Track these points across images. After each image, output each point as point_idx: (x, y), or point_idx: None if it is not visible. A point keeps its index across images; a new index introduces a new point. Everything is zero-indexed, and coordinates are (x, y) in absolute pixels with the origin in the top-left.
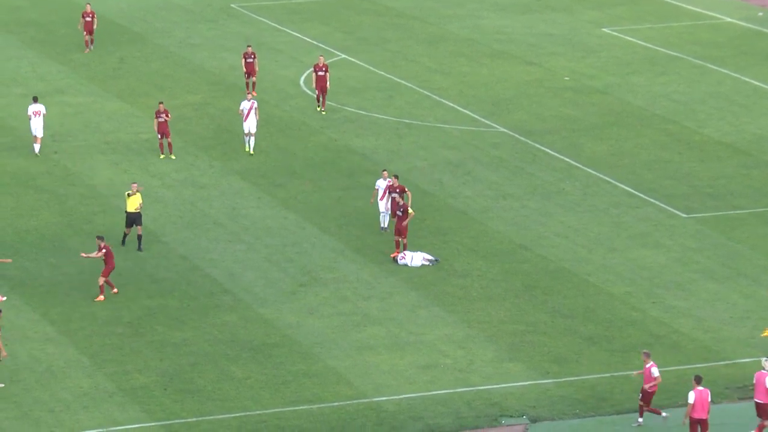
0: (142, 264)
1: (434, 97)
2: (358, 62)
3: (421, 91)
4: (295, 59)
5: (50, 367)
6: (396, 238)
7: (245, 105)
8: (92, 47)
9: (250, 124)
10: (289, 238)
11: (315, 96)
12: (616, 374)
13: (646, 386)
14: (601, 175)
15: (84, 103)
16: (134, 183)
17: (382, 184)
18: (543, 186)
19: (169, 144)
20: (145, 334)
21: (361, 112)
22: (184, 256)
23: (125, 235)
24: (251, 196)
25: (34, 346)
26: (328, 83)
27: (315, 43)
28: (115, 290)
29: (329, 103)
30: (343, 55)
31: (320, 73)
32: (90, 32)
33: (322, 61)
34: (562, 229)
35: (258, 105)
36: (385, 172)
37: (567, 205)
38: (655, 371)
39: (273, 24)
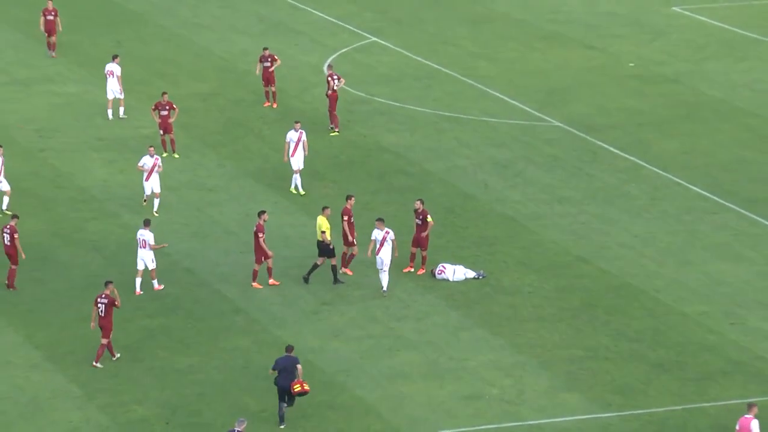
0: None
1: (479, 86)
2: (391, 46)
3: (464, 79)
4: (317, 42)
5: (35, 397)
6: (413, 249)
7: (292, 136)
8: (55, 53)
9: (298, 161)
10: (311, 250)
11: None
12: (689, 407)
13: None
14: (672, 177)
15: (75, 92)
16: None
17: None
18: (605, 189)
19: (172, 141)
20: (145, 359)
21: (394, 103)
22: (190, 269)
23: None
24: (267, 201)
25: (17, 373)
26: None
27: (340, 23)
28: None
29: (354, 91)
30: (374, 38)
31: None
32: (51, 33)
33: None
34: (627, 238)
35: (275, 100)
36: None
37: (633, 211)
38: (756, 428)
39: (291, 1)
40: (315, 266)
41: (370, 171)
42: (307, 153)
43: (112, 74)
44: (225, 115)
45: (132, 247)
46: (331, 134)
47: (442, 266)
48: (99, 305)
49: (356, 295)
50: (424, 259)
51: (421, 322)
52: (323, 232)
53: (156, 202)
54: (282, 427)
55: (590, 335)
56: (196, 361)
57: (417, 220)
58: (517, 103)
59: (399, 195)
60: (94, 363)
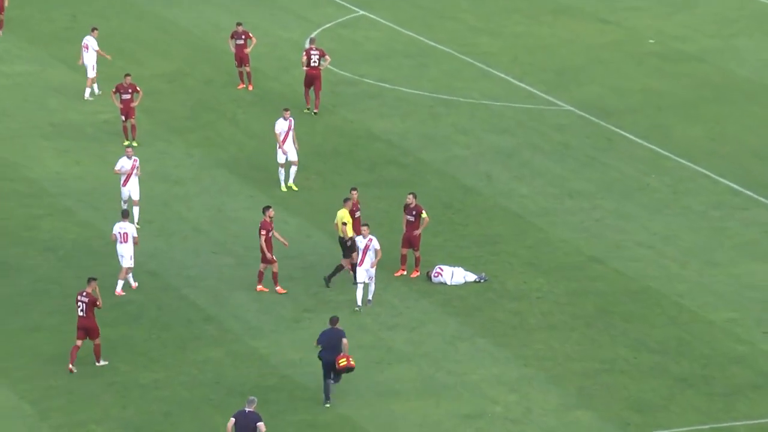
0: (99, 282)
1: (479, 65)
2: (381, 20)
3: (463, 57)
4: (299, 17)
5: None
6: (403, 250)
7: (281, 126)
8: (1, 31)
9: (289, 151)
10: (291, 249)
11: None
12: (717, 425)
13: None
14: (697, 167)
15: (24, 72)
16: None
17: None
18: (621, 181)
19: (133, 127)
20: (104, 373)
21: (384, 85)
22: (154, 272)
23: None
24: (242, 195)
25: None
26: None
27: None
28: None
29: (340, 71)
30: (361, 11)
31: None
32: None
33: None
34: (647, 236)
35: (250, 82)
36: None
37: (653, 206)
38: None
39: None
40: (340, 268)
41: (359, 162)
42: (297, 147)
43: (87, 48)
44: (194, 97)
45: (90, 247)
46: (305, 111)
47: (439, 268)
48: (79, 304)
49: (342, 300)
50: (417, 260)
51: (415, 331)
52: (344, 224)
53: (135, 210)
54: (327, 405)
55: (606, 346)
56: (161, 376)
57: (409, 217)
58: (522, 84)
59: (391, 189)
60: (97, 362)
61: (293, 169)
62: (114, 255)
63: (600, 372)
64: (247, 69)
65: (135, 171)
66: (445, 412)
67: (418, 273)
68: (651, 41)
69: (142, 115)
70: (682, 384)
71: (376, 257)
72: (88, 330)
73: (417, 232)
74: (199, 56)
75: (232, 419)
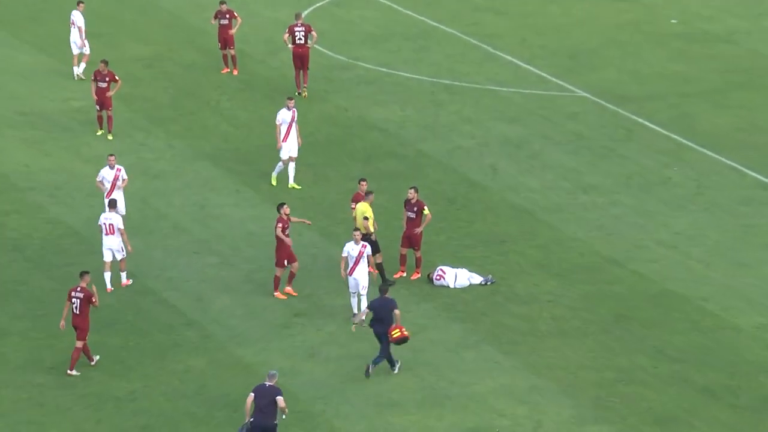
0: (72, 284)
1: (485, 47)
2: None
3: (467, 39)
4: None
5: None
6: (403, 250)
7: (284, 116)
8: None
9: (291, 147)
10: None
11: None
12: None
13: None
14: (724, 159)
15: None
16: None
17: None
18: (641, 174)
19: (110, 118)
20: (76, 384)
21: (381, 69)
22: (131, 273)
23: None
24: (227, 190)
25: None
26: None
27: None
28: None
29: (333, 54)
30: None
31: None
32: None
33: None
34: (668, 235)
35: (236, 66)
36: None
37: (675, 202)
38: None
39: None
40: (380, 267)
41: (353, 153)
42: (301, 141)
43: (74, 24)
44: (174, 83)
45: (61, 246)
46: (296, 94)
47: (442, 270)
48: (73, 300)
49: (336, 305)
50: (418, 260)
51: (416, 337)
52: (365, 219)
53: (291, 169)
54: (395, 371)
55: (623, 354)
56: (138, 387)
57: (410, 213)
58: (532, 68)
59: (389, 182)
60: (69, 371)
61: (292, 166)
62: (89, 253)
63: (617, 382)
64: (232, 52)
65: (118, 182)
66: (449, 425)
67: (419, 275)
68: (673, 21)
69: (118, 103)
70: (706, 395)
71: (368, 263)
72: (77, 329)
73: (418, 230)
74: (180, 38)
75: (252, 394)
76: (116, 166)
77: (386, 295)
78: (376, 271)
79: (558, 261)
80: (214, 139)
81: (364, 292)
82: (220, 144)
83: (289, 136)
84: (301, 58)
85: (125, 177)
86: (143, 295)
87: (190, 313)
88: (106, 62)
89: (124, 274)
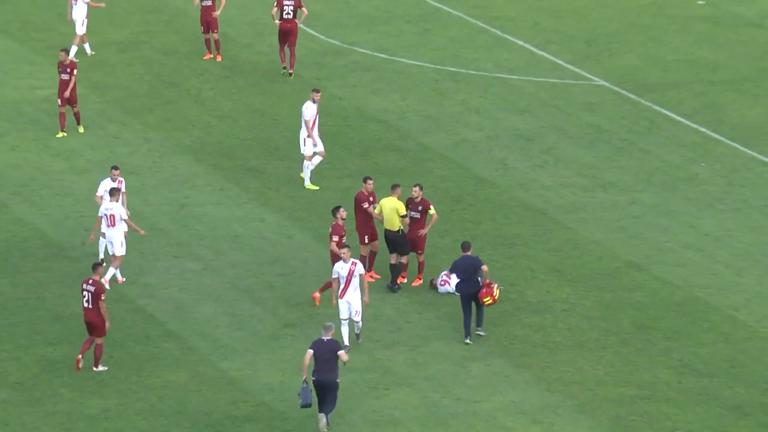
0: (40, 292)
1: (494, 31)
2: None
3: (474, 21)
4: None
5: None
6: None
7: (311, 110)
8: None
9: (318, 141)
10: (269, 253)
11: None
12: None
13: None
14: (756, 154)
15: None
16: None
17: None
18: (664, 170)
19: (76, 113)
20: (44, 401)
21: (380, 55)
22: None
23: None
24: (209, 187)
25: None
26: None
27: None
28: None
29: (326, 39)
30: None
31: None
32: None
33: None
34: (695, 237)
35: (219, 51)
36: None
37: (702, 200)
38: None
39: None
40: (400, 267)
41: (350, 146)
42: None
43: (77, 1)
44: (152, 71)
45: (27, 249)
46: (282, 68)
47: (446, 275)
48: (84, 294)
49: (329, 314)
50: (420, 265)
51: (418, 350)
52: (403, 216)
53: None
54: (468, 341)
55: (645, 368)
56: (113, 404)
57: (414, 213)
58: (545, 54)
59: (388, 178)
60: (95, 368)
61: (317, 160)
62: (58, 257)
63: (638, 399)
64: (216, 36)
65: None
66: None
67: (421, 281)
68: (700, 2)
69: (90, 93)
70: (737, 413)
71: (365, 289)
72: (92, 326)
73: (423, 233)
74: (158, 22)
75: (310, 350)
76: (118, 178)
77: (469, 253)
78: (373, 279)
79: (573, 266)
80: (195, 132)
81: (358, 318)
82: (202, 137)
83: (314, 130)
84: (287, 34)
85: (125, 191)
86: (117, 303)
87: (170, 323)
88: (67, 51)
89: (118, 272)
